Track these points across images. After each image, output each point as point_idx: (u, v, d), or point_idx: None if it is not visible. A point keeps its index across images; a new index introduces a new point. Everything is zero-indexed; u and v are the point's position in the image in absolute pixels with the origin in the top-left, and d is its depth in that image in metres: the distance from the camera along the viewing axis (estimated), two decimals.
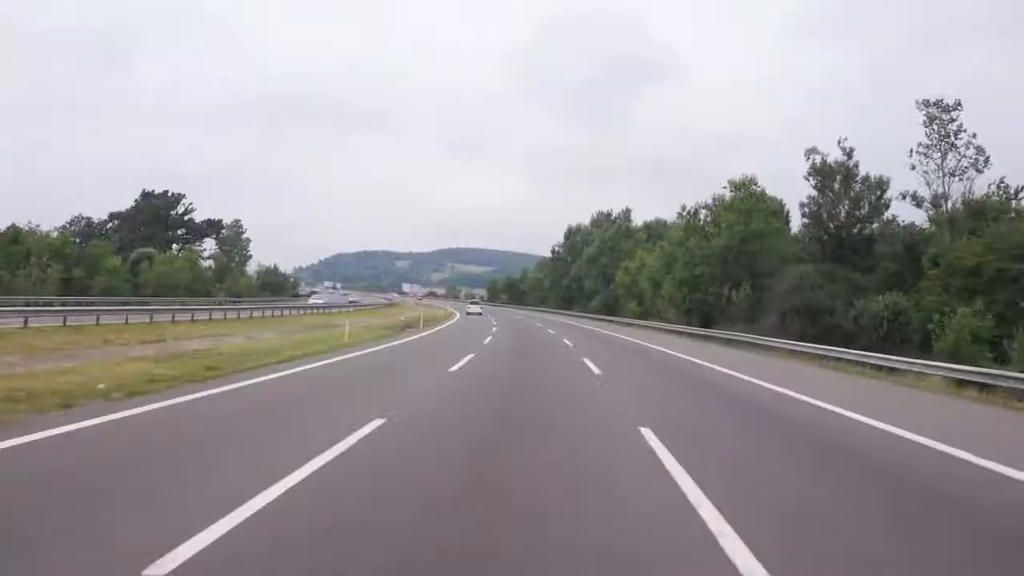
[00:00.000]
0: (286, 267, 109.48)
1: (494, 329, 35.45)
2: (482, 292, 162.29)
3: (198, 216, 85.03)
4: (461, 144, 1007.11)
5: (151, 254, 66.35)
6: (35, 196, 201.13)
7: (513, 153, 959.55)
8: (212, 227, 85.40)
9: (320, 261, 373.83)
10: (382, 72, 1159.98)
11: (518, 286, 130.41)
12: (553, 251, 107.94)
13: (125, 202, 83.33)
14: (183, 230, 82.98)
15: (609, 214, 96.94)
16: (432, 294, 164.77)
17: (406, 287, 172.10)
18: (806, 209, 45.63)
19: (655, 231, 78.22)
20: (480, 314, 62.01)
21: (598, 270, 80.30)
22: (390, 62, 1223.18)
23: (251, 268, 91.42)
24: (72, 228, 74.03)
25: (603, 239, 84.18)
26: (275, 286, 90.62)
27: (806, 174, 44.73)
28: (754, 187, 47.53)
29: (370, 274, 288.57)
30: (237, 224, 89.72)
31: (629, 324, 53.01)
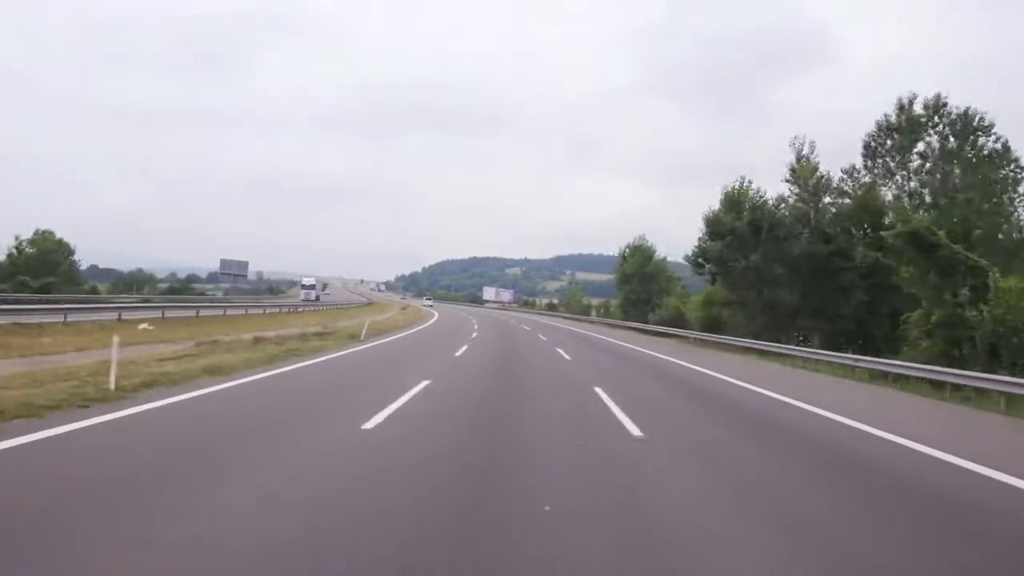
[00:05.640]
0: (388, 275, 71.57)
1: None
2: (599, 299, 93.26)
3: None
4: (580, 146, 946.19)
5: None
6: None
7: (637, 154, 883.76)
8: None
9: (423, 269, 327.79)
10: (498, 78, 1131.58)
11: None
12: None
13: None
14: None
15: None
16: (528, 303, 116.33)
17: (488, 293, 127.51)
18: None
19: None
20: (431, 305, 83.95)
21: None
22: (506, 66, 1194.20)
23: None
24: None
25: None
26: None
27: None
28: None
29: (473, 283, 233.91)
30: None
31: None
